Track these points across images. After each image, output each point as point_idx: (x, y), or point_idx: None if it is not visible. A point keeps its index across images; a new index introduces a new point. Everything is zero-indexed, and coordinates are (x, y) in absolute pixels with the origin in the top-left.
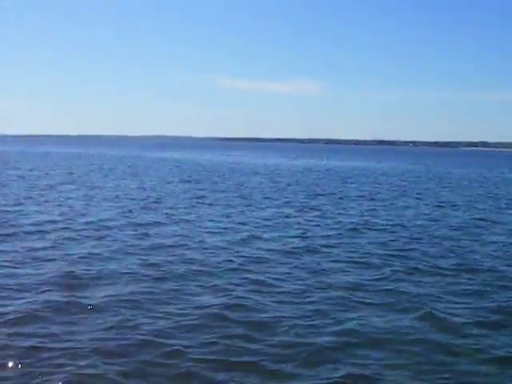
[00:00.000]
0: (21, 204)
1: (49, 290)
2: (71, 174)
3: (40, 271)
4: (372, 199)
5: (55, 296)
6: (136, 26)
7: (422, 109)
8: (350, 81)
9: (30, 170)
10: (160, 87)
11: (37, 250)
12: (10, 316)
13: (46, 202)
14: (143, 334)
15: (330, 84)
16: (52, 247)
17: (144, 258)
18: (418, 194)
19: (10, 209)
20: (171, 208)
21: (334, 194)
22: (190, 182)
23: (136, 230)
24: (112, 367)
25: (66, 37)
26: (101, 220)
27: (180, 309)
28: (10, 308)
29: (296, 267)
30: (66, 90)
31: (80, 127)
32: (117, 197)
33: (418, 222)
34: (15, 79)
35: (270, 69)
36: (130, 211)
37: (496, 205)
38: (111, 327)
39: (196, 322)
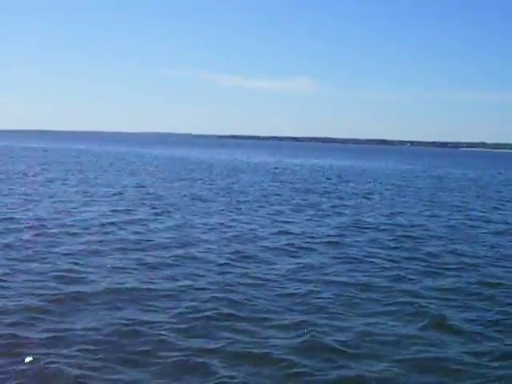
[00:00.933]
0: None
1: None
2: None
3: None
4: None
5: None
6: (121, 22)
7: (420, 108)
8: (349, 80)
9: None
10: (149, 83)
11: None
12: None
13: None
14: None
15: (328, 83)
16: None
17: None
18: (415, 193)
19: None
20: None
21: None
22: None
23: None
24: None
25: (53, 33)
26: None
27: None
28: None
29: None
30: (53, 86)
31: (68, 123)
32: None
33: (417, 222)
34: (11, 74)
35: (269, 67)
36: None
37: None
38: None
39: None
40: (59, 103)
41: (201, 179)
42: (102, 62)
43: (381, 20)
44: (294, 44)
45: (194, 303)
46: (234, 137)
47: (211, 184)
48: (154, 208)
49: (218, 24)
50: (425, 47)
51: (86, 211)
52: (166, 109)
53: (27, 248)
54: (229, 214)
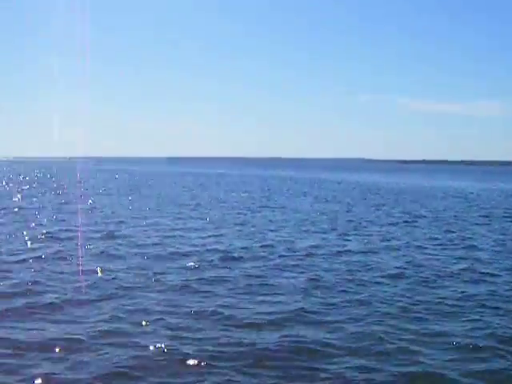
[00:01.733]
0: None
1: None
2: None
3: None
4: None
5: None
6: (323, 48)
7: None
8: None
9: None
10: (339, 109)
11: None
12: None
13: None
14: None
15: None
16: None
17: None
18: None
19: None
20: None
21: None
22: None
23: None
24: None
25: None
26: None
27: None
28: None
29: None
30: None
31: (248, 149)
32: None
33: None
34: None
35: (449, 90)
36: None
37: None
38: None
39: None
40: (242, 130)
41: (401, 208)
42: (293, 86)
43: None
44: (472, 67)
45: None
46: (410, 162)
47: (413, 212)
48: (368, 235)
49: (396, 48)
50: None
51: (301, 239)
52: (340, 133)
53: (265, 277)
54: (449, 242)
